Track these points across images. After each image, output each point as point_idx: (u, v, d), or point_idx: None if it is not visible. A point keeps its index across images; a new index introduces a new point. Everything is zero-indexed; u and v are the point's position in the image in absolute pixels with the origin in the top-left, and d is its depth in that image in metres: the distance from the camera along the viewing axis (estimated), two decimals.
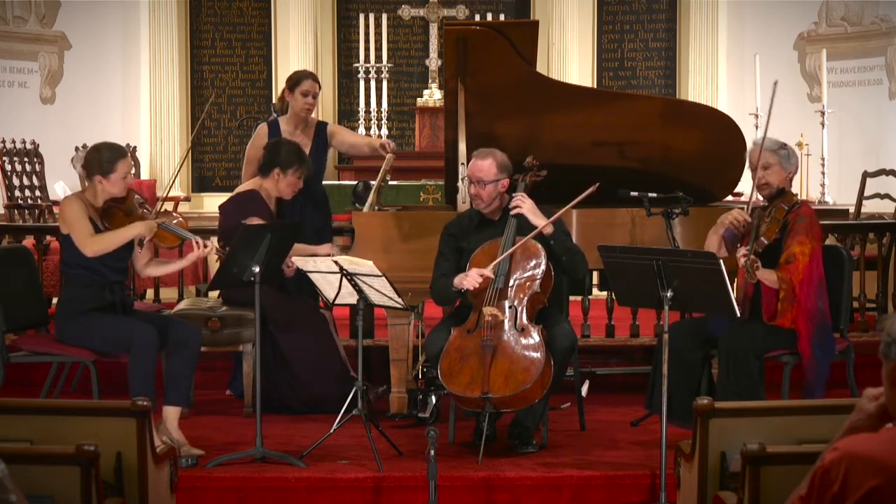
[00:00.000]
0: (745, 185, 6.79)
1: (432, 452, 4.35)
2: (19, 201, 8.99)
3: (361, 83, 10.72)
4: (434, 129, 10.49)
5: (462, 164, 5.85)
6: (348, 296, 5.21)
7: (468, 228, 5.47)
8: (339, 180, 10.13)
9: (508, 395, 5.00)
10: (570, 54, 10.78)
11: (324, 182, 6.95)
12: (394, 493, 4.89)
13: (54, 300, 6.10)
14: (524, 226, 5.28)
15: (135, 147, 10.18)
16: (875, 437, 2.50)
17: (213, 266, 7.31)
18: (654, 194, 5.75)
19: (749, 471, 3.54)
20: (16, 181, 9.08)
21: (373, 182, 6.31)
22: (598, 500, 4.92)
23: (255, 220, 5.83)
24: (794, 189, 9.41)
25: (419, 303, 6.15)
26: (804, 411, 3.96)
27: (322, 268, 5.21)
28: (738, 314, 4.77)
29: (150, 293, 7.63)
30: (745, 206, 5.33)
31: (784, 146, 5.38)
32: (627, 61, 11.05)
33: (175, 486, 4.29)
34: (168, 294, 7.55)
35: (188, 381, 5.48)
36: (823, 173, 9.71)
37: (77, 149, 9.41)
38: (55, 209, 8.80)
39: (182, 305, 6.36)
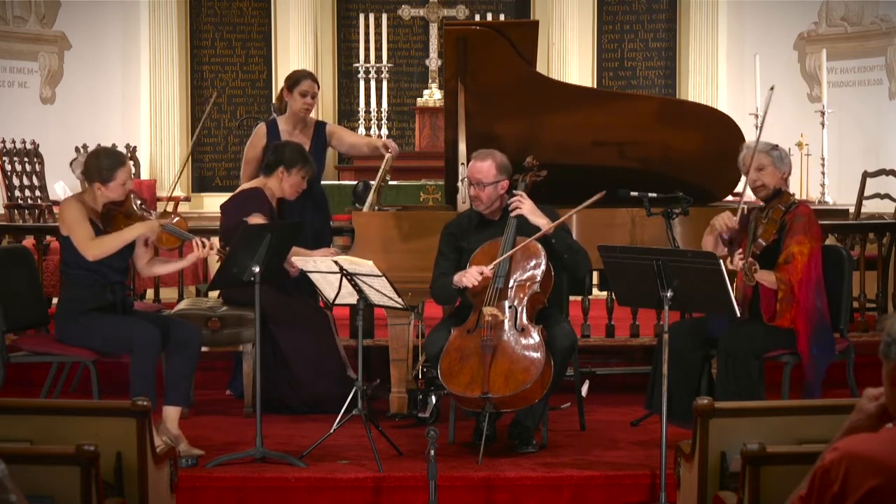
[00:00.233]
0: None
1: (432, 452, 4.35)
2: (19, 201, 8.98)
3: (361, 83, 10.71)
4: (434, 129, 10.49)
5: (462, 164, 5.85)
6: (348, 296, 5.21)
7: (468, 228, 5.47)
8: (339, 180, 10.13)
9: (508, 395, 5.00)
10: (570, 54, 10.77)
11: (323, 182, 6.95)
12: (394, 493, 4.89)
13: (54, 300, 6.10)
14: (524, 226, 5.28)
15: (135, 147, 10.18)
16: (875, 437, 2.50)
17: (214, 266, 7.31)
18: (654, 194, 5.75)
19: (749, 471, 3.54)
20: (16, 181, 9.07)
21: (373, 182, 6.31)
22: (598, 500, 4.92)
23: (257, 218, 5.84)
24: (794, 189, 9.44)
25: (419, 303, 6.15)
26: (804, 411, 3.96)
27: (322, 268, 5.21)
28: (738, 314, 4.77)
29: (150, 293, 7.62)
30: (736, 210, 5.33)
31: (776, 147, 5.39)
32: (627, 61, 11.05)
33: (175, 486, 4.29)
34: (168, 294, 7.55)
35: (188, 381, 5.48)
36: (823, 173, 9.71)
37: (77, 150, 9.41)
38: (55, 209, 8.80)
39: (182, 305, 6.36)
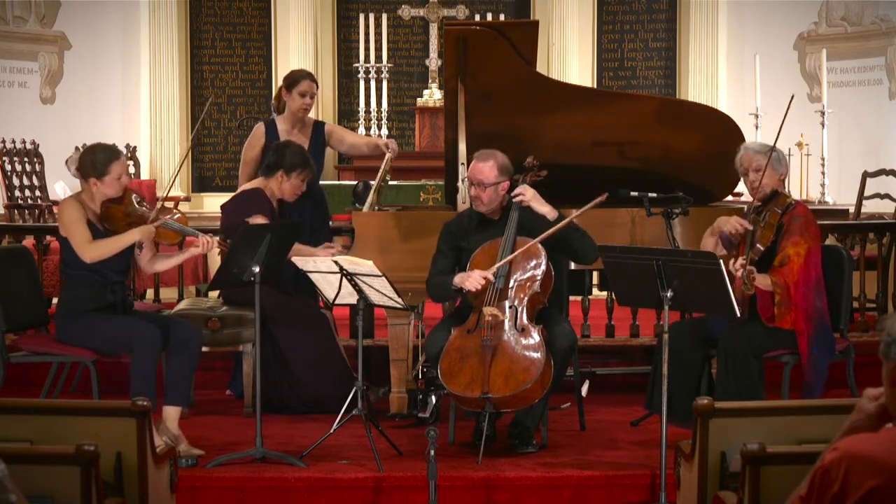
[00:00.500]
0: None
1: (432, 452, 4.35)
2: (19, 201, 8.98)
3: (361, 83, 10.72)
4: (434, 129, 10.49)
5: (462, 164, 5.85)
6: (348, 296, 5.21)
7: (468, 228, 5.46)
8: (339, 180, 10.13)
9: (508, 395, 4.99)
10: (570, 54, 10.77)
11: (323, 182, 6.94)
12: (394, 493, 4.89)
13: (54, 300, 6.10)
14: (525, 225, 5.28)
15: (135, 147, 10.18)
16: (875, 437, 2.50)
17: (214, 266, 7.31)
18: (654, 194, 5.76)
19: (749, 471, 3.54)
20: (16, 181, 9.07)
21: (373, 182, 6.31)
22: (598, 500, 4.92)
23: (258, 219, 5.84)
24: (794, 189, 9.44)
25: (419, 303, 6.15)
26: (804, 411, 3.96)
27: (322, 268, 5.21)
28: (738, 314, 4.77)
29: (150, 293, 7.62)
30: (744, 211, 5.33)
31: (773, 148, 5.39)
32: (627, 61, 11.05)
33: (175, 486, 4.29)
34: (168, 294, 7.55)
35: (188, 381, 5.48)
36: (823, 173, 9.71)
37: (76, 149, 9.40)
38: (55, 209, 8.80)
39: (182, 305, 6.36)
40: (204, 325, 5.90)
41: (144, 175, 10.24)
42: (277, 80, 10.52)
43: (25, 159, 9.22)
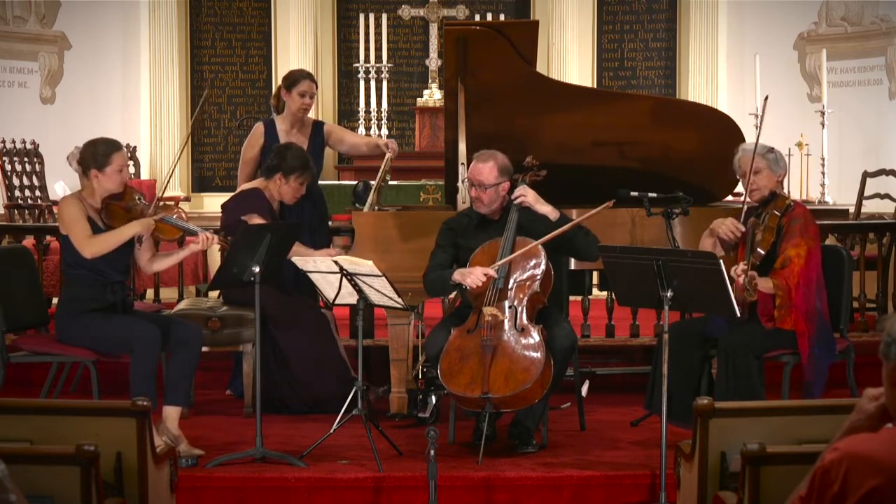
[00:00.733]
0: None
1: (432, 452, 4.35)
2: (19, 201, 8.98)
3: (361, 83, 10.72)
4: (434, 129, 10.49)
5: (462, 164, 5.85)
6: (348, 296, 5.21)
7: (468, 227, 5.46)
8: (339, 180, 10.13)
9: (508, 395, 4.99)
10: (570, 54, 10.77)
11: (323, 182, 6.94)
12: (394, 493, 4.89)
13: (54, 300, 6.10)
14: (525, 226, 5.28)
15: (135, 147, 10.18)
16: (875, 437, 2.50)
17: (214, 266, 7.31)
18: (654, 194, 5.75)
19: (749, 471, 3.54)
20: (16, 181, 9.07)
21: (373, 182, 6.31)
22: (598, 500, 4.92)
23: (256, 218, 5.84)
24: (794, 189, 9.43)
25: (419, 303, 6.15)
26: (804, 411, 3.96)
27: (322, 268, 5.21)
28: (738, 314, 4.77)
29: (150, 293, 7.62)
30: (740, 213, 5.33)
31: (772, 150, 5.39)
32: (627, 61, 11.05)
33: (175, 486, 4.29)
34: (168, 294, 7.55)
35: (188, 381, 5.47)
36: (823, 173, 9.71)
37: (74, 148, 9.39)
38: (55, 209, 8.80)
39: (182, 305, 6.36)
40: (204, 325, 5.90)
41: (144, 175, 10.24)
42: (277, 80, 10.50)
43: (25, 159, 9.22)
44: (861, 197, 8.78)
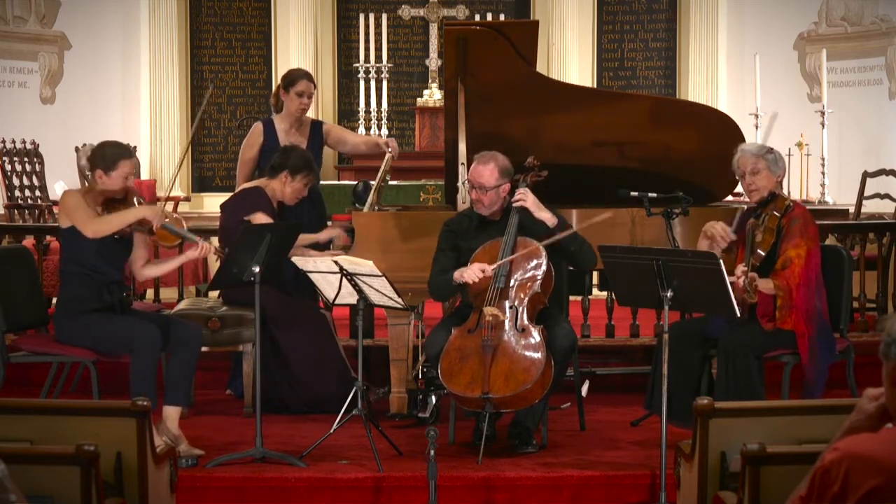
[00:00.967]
0: None
1: (432, 452, 4.35)
2: (19, 201, 8.98)
3: (361, 83, 10.72)
4: (434, 129, 10.49)
5: (462, 164, 5.84)
6: (348, 296, 5.21)
7: (468, 228, 5.46)
8: (339, 180, 10.13)
9: (509, 396, 4.99)
10: (570, 54, 10.78)
11: (324, 182, 6.94)
12: (394, 493, 4.89)
13: (54, 300, 6.10)
14: (526, 226, 5.28)
15: (135, 147, 10.11)
16: (875, 437, 2.50)
17: (214, 266, 7.31)
18: (654, 194, 5.75)
19: (749, 471, 3.54)
20: (16, 181, 9.07)
21: (373, 182, 6.31)
22: (598, 500, 4.92)
23: (261, 216, 5.84)
24: (794, 189, 9.42)
25: (419, 303, 6.15)
26: (804, 411, 3.96)
27: (322, 268, 5.21)
28: (738, 314, 4.77)
29: (150, 293, 7.62)
30: (737, 213, 5.33)
31: (770, 150, 5.39)
32: (627, 61, 11.05)
33: (175, 486, 4.29)
34: (168, 294, 7.55)
35: (188, 381, 5.47)
36: (823, 173, 9.71)
37: (77, 150, 9.38)
38: (55, 209, 8.80)
39: (182, 305, 6.36)
40: (204, 325, 5.90)
41: (144, 175, 10.24)
42: (277, 79, 10.44)
43: (25, 159, 9.22)
44: (861, 197, 8.78)
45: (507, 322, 5.14)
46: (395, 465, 5.04)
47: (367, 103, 10.70)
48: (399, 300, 5.15)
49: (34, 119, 10.15)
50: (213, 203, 9.97)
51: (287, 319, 6.00)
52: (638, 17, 11.00)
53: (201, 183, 10.84)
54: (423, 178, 9.14)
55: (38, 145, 9.40)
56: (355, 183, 7.29)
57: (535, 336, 5.11)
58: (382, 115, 10.71)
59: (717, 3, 10.58)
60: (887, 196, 8.92)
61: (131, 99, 10.58)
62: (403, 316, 5.77)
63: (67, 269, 5.37)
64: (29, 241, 7.14)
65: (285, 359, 5.99)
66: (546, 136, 6.26)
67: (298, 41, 10.70)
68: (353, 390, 5.20)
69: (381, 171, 6.26)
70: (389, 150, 6.39)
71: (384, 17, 10.57)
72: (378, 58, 10.62)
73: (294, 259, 5.43)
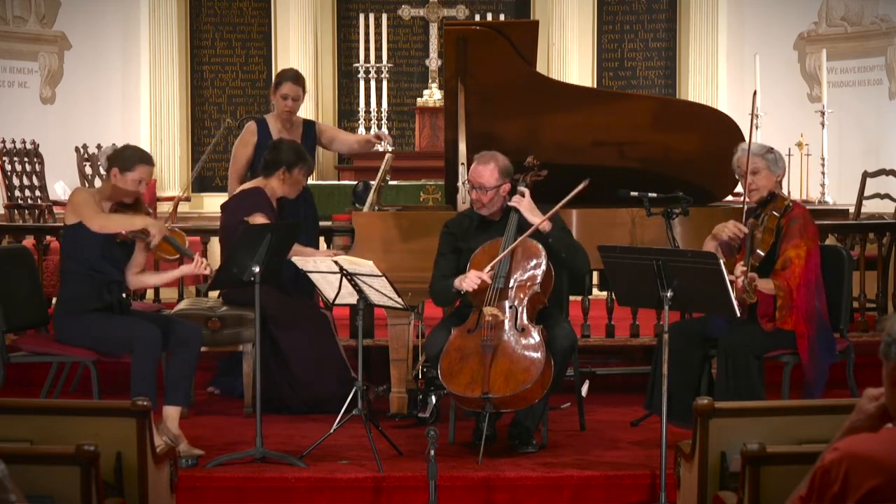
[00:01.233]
0: None
1: (432, 452, 4.35)
2: (19, 201, 8.98)
3: (361, 83, 10.72)
4: (434, 129, 10.49)
5: (462, 164, 5.85)
6: (348, 296, 5.21)
7: (468, 229, 5.46)
8: (339, 180, 10.12)
9: (508, 395, 4.99)
10: (570, 54, 10.78)
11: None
12: (394, 493, 4.89)
13: (54, 300, 6.10)
14: (525, 226, 5.28)
15: None
16: (875, 437, 2.50)
17: (213, 266, 7.30)
18: (654, 194, 5.75)
19: (749, 471, 3.54)
20: (16, 181, 9.07)
21: (373, 182, 6.31)
22: (598, 500, 4.92)
23: (259, 217, 5.84)
24: (794, 189, 9.42)
25: (419, 303, 6.15)
26: (804, 411, 3.96)
27: (322, 268, 5.21)
28: (738, 314, 4.77)
29: (150, 293, 7.62)
30: (741, 214, 5.33)
31: (770, 150, 5.39)
32: (627, 61, 11.06)
33: (175, 486, 4.29)
34: (168, 294, 7.55)
35: (188, 381, 5.47)
36: (823, 173, 9.71)
37: (77, 150, 9.42)
38: (55, 209, 8.81)
39: (182, 305, 6.36)
40: (204, 325, 5.90)
41: None
42: None
43: (25, 159, 9.22)
44: (861, 197, 8.78)
45: (506, 322, 5.14)
46: (395, 465, 5.04)
47: (367, 103, 10.70)
48: (399, 300, 5.15)
49: (34, 119, 10.15)
50: (213, 203, 9.96)
51: (287, 319, 6.00)
52: (638, 17, 11.00)
53: (201, 183, 10.83)
54: (423, 178, 9.14)
55: (38, 145, 9.40)
56: (355, 183, 7.30)
57: (535, 336, 5.11)
58: (382, 115, 10.71)
59: (717, 3, 10.59)
60: (887, 196, 8.92)
61: (131, 99, 10.58)
62: (403, 316, 5.77)
63: (67, 269, 5.37)
64: (29, 241, 7.14)
65: (285, 359, 6.00)
66: (546, 135, 6.26)
67: (298, 41, 10.70)
68: (353, 390, 5.20)
69: (381, 171, 6.26)
70: (381, 141, 6.40)
71: (384, 17, 10.57)
72: (378, 58, 10.62)
73: (294, 259, 5.44)
